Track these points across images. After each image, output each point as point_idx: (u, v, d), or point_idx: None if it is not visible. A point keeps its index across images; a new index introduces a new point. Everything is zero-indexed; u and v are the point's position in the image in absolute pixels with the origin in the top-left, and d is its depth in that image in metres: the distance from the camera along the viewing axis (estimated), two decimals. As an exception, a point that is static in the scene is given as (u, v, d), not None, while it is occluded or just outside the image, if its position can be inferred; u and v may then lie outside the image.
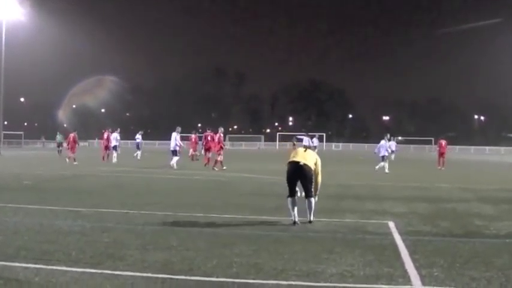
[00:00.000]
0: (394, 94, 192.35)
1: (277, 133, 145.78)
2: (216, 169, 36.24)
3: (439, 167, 43.83)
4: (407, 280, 8.58)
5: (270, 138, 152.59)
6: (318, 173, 14.56)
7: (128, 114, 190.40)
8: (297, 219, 13.84)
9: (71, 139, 45.15)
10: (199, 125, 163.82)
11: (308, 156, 14.40)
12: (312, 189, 14.23)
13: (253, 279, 8.43)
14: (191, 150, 49.10)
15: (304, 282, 8.34)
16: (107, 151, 47.01)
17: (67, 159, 43.17)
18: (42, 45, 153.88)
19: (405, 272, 9.05)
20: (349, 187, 24.99)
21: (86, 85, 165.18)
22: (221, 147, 38.00)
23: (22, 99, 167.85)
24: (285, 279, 8.42)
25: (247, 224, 13.90)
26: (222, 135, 38.88)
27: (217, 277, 8.49)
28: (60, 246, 10.57)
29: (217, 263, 9.34)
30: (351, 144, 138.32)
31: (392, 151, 59.16)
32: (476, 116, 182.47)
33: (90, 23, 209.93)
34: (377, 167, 38.04)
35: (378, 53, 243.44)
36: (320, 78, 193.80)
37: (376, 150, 39.15)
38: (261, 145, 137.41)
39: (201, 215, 15.14)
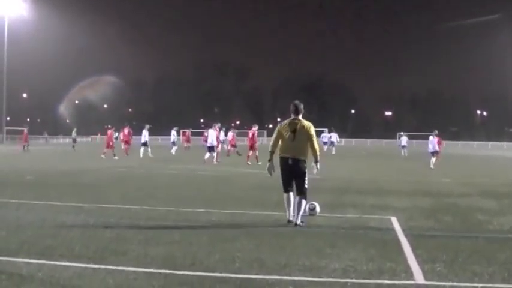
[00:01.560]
0: (396, 89, 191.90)
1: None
2: (249, 163, 37.43)
3: (433, 165, 43.81)
4: (409, 275, 8.57)
5: (272, 132, 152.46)
6: (313, 143, 13.22)
7: (130, 110, 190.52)
8: (292, 218, 13.01)
9: (109, 135, 47.23)
10: (201, 120, 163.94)
11: (299, 140, 13.16)
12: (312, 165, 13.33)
13: (256, 274, 8.42)
14: (229, 146, 49.75)
15: (307, 277, 8.33)
16: (127, 145, 47.17)
17: (102, 155, 44.12)
18: (44, 41, 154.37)
19: (408, 267, 9.04)
20: (351, 182, 25.04)
21: (88, 81, 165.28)
22: (254, 143, 39.85)
23: (25, 95, 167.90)
24: (288, 274, 8.42)
25: (249, 219, 13.91)
26: (256, 131, 40.82)
27: (220, 272, 8.48)
28: (63, 242, 10.58)
29: (220, 258, 9.34)
30: (353, 140, 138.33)
31: (403, 146, 59.71)
32: (478, 111, 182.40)
33: (92, 19, 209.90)
34: (432, 165, 37.69)
35: (379, 47, 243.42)
36: (321, 73, 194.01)
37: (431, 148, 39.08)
38: (263, 140, 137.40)
39: (203, 210, 15.14)
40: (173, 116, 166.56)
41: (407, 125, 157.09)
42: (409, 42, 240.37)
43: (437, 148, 38.58)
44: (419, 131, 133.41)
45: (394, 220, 13.91)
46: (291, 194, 13.17)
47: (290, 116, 13.56)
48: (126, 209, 15.20)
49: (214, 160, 39.03)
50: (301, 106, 13.52)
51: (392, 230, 12.69)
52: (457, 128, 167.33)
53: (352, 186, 22.80)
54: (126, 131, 49.17)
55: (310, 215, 14.25)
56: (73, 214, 14.17)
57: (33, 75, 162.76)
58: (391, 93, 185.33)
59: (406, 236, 11.77)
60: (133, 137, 52.35)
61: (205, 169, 31.83)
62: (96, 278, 8.04)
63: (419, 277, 8.45)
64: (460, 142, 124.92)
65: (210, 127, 40.56)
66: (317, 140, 13.78)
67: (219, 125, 42.76)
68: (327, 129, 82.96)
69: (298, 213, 12.93)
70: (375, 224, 13.57)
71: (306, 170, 13.24)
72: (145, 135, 48.21)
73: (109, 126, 48.59)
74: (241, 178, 26.68)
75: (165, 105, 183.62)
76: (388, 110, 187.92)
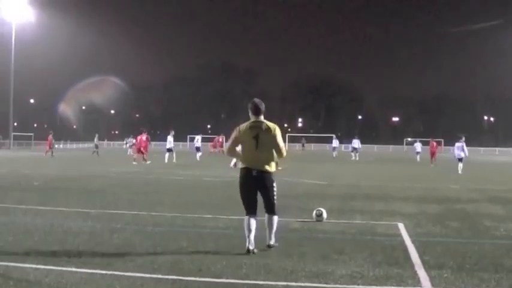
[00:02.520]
0: (403, 95, 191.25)
1: (286, 134, 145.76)
2: (280, 168, 36.92)
3: (431, 165, 51.38)
4: (416, 281, 8.57)
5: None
6: (279, 148, 11.00)
7: (137, 115, 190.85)
8: (252, 247, 10.55)
9: (139, 140, 47.43)
10: (208, 126, 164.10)
11: (263, 147, 10.87)
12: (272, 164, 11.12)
13: (263, 280, 8.44)
14: None
15: (314, 283, 8.34)
16: (145, 152, 47.22)
17: (134, 162, 44.17)
18: (51, 46, 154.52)
19: (415, 273, 9.05)
20: (358, 188, 25.00)
21: (94, 85, 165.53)
22: None
23: (32, 101, 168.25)
24: (295, 281, 8.43)
25: (256, 225, 13.89)
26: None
27: (226, 278, 8.50)
28: (70, 247, 10.62)
29: (227, 264, 9.36)
30: (361, 145, 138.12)
31: (417, 152, 60.61)
32: (486, 117, 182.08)
33: (99, 23, 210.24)
34: (460, 171, 38.61)
35: (387, 51, 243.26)
36: (329, 77, 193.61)
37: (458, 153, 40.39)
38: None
39: (210, 216, 15.16)
40: (181, 120, 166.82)
41: (414, 131, 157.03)
42: (418, 47, 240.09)
43: (462, 155, 39.77)
44: (426, 136, 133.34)
45: (402, 226, 13.91)
46: (253, 219, 10.81)
47: (259, 118, 11.15)
48: (134, 215, 15.22)
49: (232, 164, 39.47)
50: (263, 105, 11.24)
51: (400, 236, 12.69)
52: (464, 133, 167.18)
53: (360, 192, 22.76)
54: (144, 137, 49.55)
55: (317, 220, 14.27)
56: (80, 220, 14.20)
57: (40, 81, 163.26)
58: (399, 99, 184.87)
59: (413, 242, 11.77)
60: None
61: (212, 175, 31.83)
62: (103, 284, 8.07)
63: (426, 283, 8.46)
64: (467, 148, 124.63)
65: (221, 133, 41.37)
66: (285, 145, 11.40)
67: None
68: (334, 135, 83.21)
69: (271, 232, 11.06)
70: (382, 230, 13.57)
71: (274, 184, 11.14)
72: (170, 141, 48.72)
73: (143, 130, 48.93)
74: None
75: (173, 110, 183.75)
76: (395, 116, 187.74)
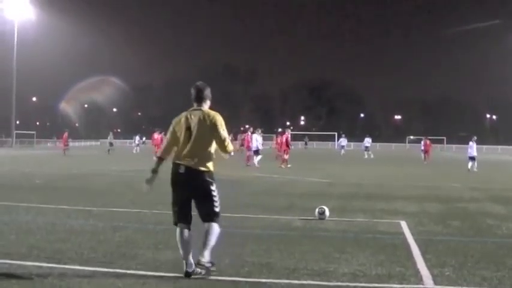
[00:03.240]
0: (404, 93, 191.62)
1: (290, 132, 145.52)
2: (283, 167, 38.80)
3: (425, 162, 53.31)
4: (419, 279, 8.58)
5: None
6: (221, 140, 8.88)
7: (139, 113, 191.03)
8: (191, 269, 8.58)
9: (159, 138, 48.75)
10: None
11: (198, 139, 8.83)
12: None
13: (266, 278, 8.44)
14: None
15: (316, 281, 8.34)
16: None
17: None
18: (53, 44, 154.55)
19: (417, 271, 9.05)
20: (359, 186, 24.98)
21: (96, 84, 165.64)
22: (288, 147, 41.16)
23: (34, 99, 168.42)
24: (297, 279, 8.43)
25: (258, 224, 13.92)
26: (289, 135, 42.64)
27: (229, 276, 8.50)
28: (72, 246, 10.62)
29: (229, 262, 9.35)
30: (362, 144, 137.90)
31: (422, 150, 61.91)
32: (488, 115, 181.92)
33: (100, 23, 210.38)
34: (475, 168, 39.86)
35: (388, 51, 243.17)
36: (330, 77, 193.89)
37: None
38: (273, 144, 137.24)
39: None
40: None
41: (416, 129, 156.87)
42: (419, 47, 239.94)
43: (474, 154, 40.92)
44: (428, 135, 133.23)
45: (404, 224, 13.91)
46: (186, 230, 8.84)
47: (201, 106, 9.16)
48: (135, 213, 15.25)
49: (250, 162, 41.04)
50: (208, 90, 9.22)
51: (402, 234, 12.69)
52: (466, 132, 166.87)
53: (361, 191, 22.75)
54: (156, 135, 50.00)
55: (319, 218, 14.27)
56: (82, 218, 14.21)
57: (42, 79, 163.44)
58: (400, 98, 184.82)
59: (415, 240, 11.77)
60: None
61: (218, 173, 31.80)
62: (105, 282, 8.07)
63: (428, 282, 8.46)
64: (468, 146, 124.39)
65: (244, 132, 42.41)
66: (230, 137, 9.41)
67: (254, 129, 44.98)
68: (343, 134, 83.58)
69: (205, 246, 8.67)
70: (384, 228, 13.56)
71: (214, 187, 8.93)
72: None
73: (155, 129, 49.43)
74: (250, 182, 26.66)
75: (174, 109, 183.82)
76: (396, 114, 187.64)
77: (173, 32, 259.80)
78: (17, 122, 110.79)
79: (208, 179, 8.82)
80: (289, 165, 39.14)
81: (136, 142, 79.17)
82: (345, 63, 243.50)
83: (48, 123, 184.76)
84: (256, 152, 40.98)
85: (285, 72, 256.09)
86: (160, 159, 9.28)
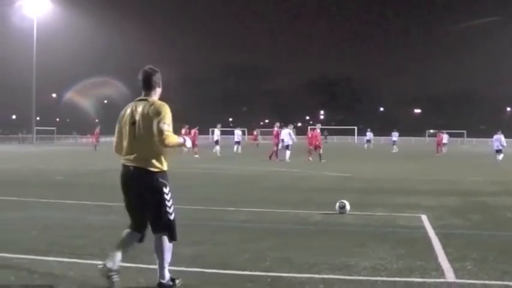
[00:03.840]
0: (423, 87, 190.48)
1: (309, 127, 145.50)
2: (311, 159, 41.02)
3: (437, 154, 55.56)
4: (440, 273, 8.56)
5: (302, 132, 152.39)
6: (162, 134, 7.47)
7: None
8: (111, 265, 7.62)
9: (193, 134, 50.09)
10: (230, 119, 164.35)
11: (144, 135, 7.71)
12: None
13: (287, 273, 8.44)
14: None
15: (337, 275, 8.33)
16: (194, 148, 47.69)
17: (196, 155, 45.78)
18: (72, 40, 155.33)
19: (438, 265, 9.03)
20: (378, 181, 24.90)
21: (113, 80, 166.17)
22: (318, 142, 42.78)
23: (54, 95, 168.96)
24: (318, 273, 8.42)
25: (277, 218, 13.92)
26: (319, 131, 44.31)
27: (250, 271, 8.51)
28: (93, 241, 10.69)
29: (250, 257, 9.38)
30: (382, 138, 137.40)
31: (444, 144, 63.38)
32: (508, 108, 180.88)
33: (118, 19, 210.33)
34: (500, 159, 41.01)
35: (406, 44, 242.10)
36: (348, 72, 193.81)
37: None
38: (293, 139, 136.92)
39: (231, 209, 15.19)
40: (198, 116, 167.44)
41: (435, 123, 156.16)
42: (437, 40, 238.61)
43: (500, 147, 41.74)
44: (448, 128, 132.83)
45: (424, 218, 13.87)
46: (130, 232, 8.03)
47: (149, 94, 8.06)
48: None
49: (277, 158, 41.63)
50: (157, 76, 8.07)
51: (422, 228, 12.67)
52: (485, 125, 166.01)
53: (381, 185, 22.69)
54: (193, 132, 50.72)
55: (340, 213, 14.25)
56: (102, 214, 14.29)
57: (61, 75, 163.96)
58: (419, 91, 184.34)
59: (436, 234, 11.75)
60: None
61: (234, 168, 31.88)
62: (127, 277, 8.08)
63: (450, 275, 8.44)
64: (489, 139, 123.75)
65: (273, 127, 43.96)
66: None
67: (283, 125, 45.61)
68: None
69: (162, 264, 7.84)
70: (404, 222, 13.53)
71: (167, 190, 7.92)
72: (217, 134, 51.58)
73: (186, 126, 50.03)
74: (269, 177, 26.69)
75: (192, 106, 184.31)
76: (415, 108, 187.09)
77: (192, 29, 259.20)
78: (37, 119, 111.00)
79: (160, 180, 7.76)
80: (323, 160, 40.26)
81: None
82: (361, 57, 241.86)
83: (68, 119, 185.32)
84: (287, 147, 41.47)
85: (301, 68, 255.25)
86: None
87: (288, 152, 41.01)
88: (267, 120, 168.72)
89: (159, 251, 7.75)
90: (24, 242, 10.53)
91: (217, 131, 52.21)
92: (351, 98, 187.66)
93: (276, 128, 44.81)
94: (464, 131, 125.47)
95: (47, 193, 18.51)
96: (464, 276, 8.44)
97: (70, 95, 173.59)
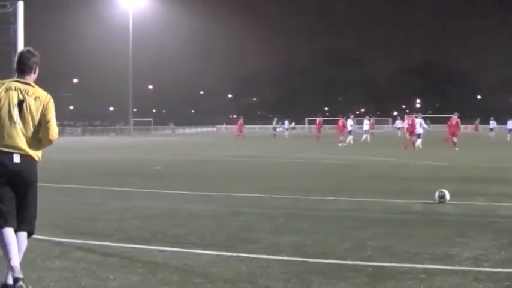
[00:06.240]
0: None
1: (405, 115, 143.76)
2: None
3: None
4: (545, 264, 8.38)
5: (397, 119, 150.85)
6: (51, 125, 6.96)
7: (254, 99, 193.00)
8: (17, 275, 6.46)
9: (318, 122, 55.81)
10: (325, 108, 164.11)
11: (31, 120, 6.92)
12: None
13: (388, 262, 8.39)
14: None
15: (439, 265, 8.21)
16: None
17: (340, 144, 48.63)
18: (168, 32, 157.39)
19: (543, 256, 8.84)
20: (476, 170, 24.48)
21: (208, 71, 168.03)
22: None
23: (150, 87, 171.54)
24: (420, 263, 8.34)
25: (376, 207, 13.84)
26: (459, 120, 44.76)
27: (351, 260, 8.47)
28: (193, 230, 10.81)
29: (350, 246, 9.35)
30: (480, 126, 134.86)
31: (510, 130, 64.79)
32: None
33: (212, 10, 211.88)
34: None
35: (500, 28, 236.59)
36: (443, 59, 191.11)
37: None
38: (388, 127, 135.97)
39: (330, 198, 15.14)
40: (296, 106, 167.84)
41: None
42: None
43: None
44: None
45: (526, 208, 13.60)
46: (9, 231, 6.74)
47: (24, 78, 7.08)
48: (254, 198, 15.38)
49: (414, 146, 42.41)
50: (35, 59, 7.18)
51: (523, 218, 12.42)
52: None
53: (479, 174, 22.28)
54: (317, 120, 53.21)
55: (439, 202, 14.08)
56: (202, 203, 14.46)
57: (157, 67, 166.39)
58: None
59: (539, 224, 11.51)
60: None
61: (329, 157, 31.81)
62: (229, 266, 8.16)
63: (556, 266, 8.26)
64: None
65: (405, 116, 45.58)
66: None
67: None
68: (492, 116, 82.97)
69: (12, 260, 6.57)
70: (505, 212, 13.24)
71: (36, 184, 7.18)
72: (350, 124, 54.09)
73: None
74: (365, 166, 26.59)
75: (287, 95, 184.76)
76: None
77: (285, 20, 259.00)
78: (134, 110, 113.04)
79: (36, 171, 7.08)
80: (456, 149, 40.41)
81: (286, 127, 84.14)
82: (455, 43, 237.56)
83: (164, 111, 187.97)
84: (418, 136, 42.91)
85: (392, 56, 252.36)
86: None
87: (419, 140, 42.58)
88: (362, 110, 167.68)
89: (16, 249, 6.73)
90: (126, 231, 10.75)
91: (350, 121, 54.64)
92: (445, 86, 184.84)
93: (413, 118, 46.11)
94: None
95: (147, 183, 18.85)
96: None
97: (167, 87, 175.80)
